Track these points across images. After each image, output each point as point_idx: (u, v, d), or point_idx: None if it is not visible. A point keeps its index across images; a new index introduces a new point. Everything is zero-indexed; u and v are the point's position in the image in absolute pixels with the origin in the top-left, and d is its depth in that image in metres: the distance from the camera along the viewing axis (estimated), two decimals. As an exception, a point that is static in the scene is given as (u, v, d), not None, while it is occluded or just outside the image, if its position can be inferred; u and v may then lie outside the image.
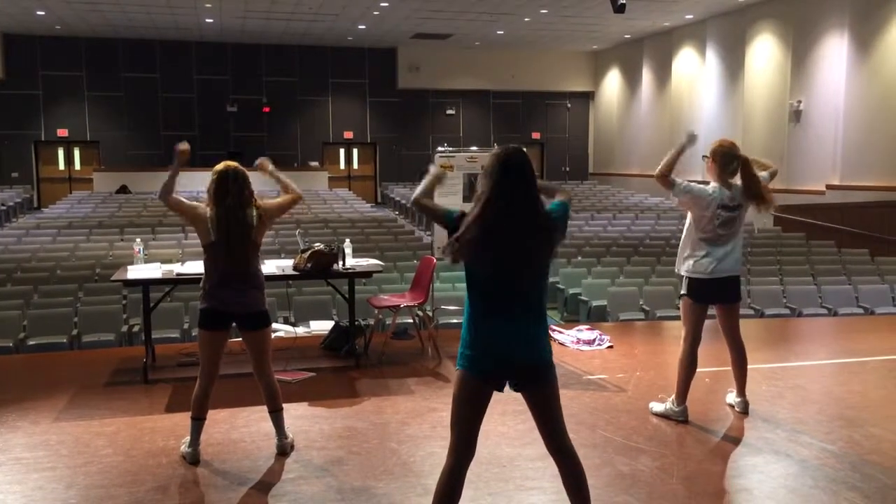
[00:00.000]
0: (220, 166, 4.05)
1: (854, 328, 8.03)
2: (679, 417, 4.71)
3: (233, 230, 3.97)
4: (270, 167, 4.43)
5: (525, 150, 2.97)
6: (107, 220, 14.00)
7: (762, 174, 4.71)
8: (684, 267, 4.63)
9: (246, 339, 4.15)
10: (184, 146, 4.16)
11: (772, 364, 6.18)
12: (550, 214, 2.97)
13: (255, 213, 4.04)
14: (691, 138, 4.59)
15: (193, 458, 4.07)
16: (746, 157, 4.56)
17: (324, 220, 14.11)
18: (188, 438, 4.12)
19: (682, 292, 4.69)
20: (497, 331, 2.87)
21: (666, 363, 6.42)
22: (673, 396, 4.76)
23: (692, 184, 4.60)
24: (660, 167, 4.53)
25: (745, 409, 4.87)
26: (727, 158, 4.51)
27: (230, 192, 3.96)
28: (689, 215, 4.66)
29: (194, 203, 4.12)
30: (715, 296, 4.63)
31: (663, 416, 4.78)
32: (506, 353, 2.89)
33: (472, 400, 2.92)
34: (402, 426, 4.68)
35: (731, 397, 5.00)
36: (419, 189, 3.13)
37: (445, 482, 2.91)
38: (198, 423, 4.09)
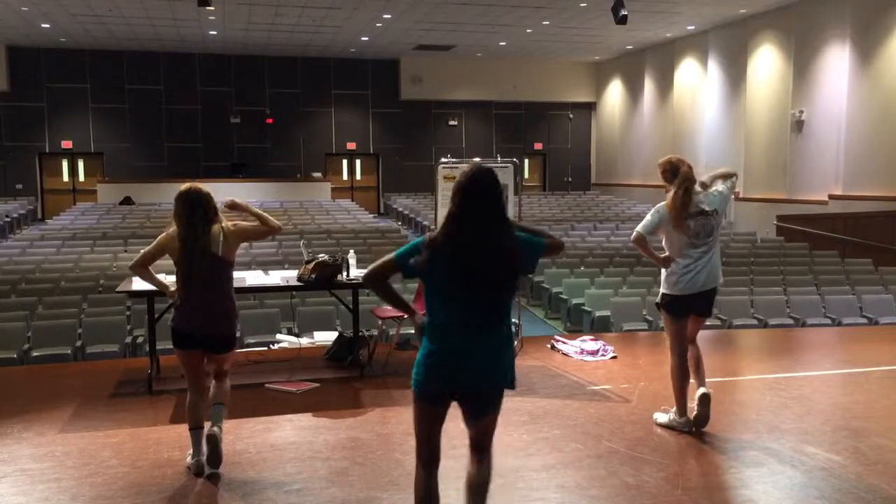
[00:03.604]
0: (183, 188, 4.15)
1: (858, 338, 8.02)
2: (683, 428, 4.71)
3: (195, 248, 4.02)
4: (241, 203, 4.42)
5: (493, 170, 2.95)
6: (111, 232, 14.03)
7: (720, 187, 4.70)
8: (663, 283, 4.72)
9: (209, 357, 4.18)
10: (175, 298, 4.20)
11: (776, 374, 6.17)
12: (517, 239, 2.94)
13: (220, 231, 4.09)
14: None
15: (198, 469, 4.08)
16: (689, 172, 4.55)
17: (327, 231, 14.14)
18: (192, 450, 4.13)
19: (657, 301, 4.77)
20: (447, 352, 2.88)
21: (670, 373, 6.42)
22: (675, 408, 4.76)
23: (647, 220, 4.64)
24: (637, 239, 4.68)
25: (707, 404, 4.67)
26: (674, 171, 4.58)
27: (192, 211, 4.04)
28: (664, 244, 4.71)
29: (157, 242, 4.19)
30: (690, 309, 4.67)
31: (667, 426, 4.78)
32: (451, 377, 2.89)
33: (425, 419, 2.97)
34: (406, 436, 4.67)
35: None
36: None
37: (422, 490, 2.98)
38: (195, 432, 4.10)
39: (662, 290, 4.73)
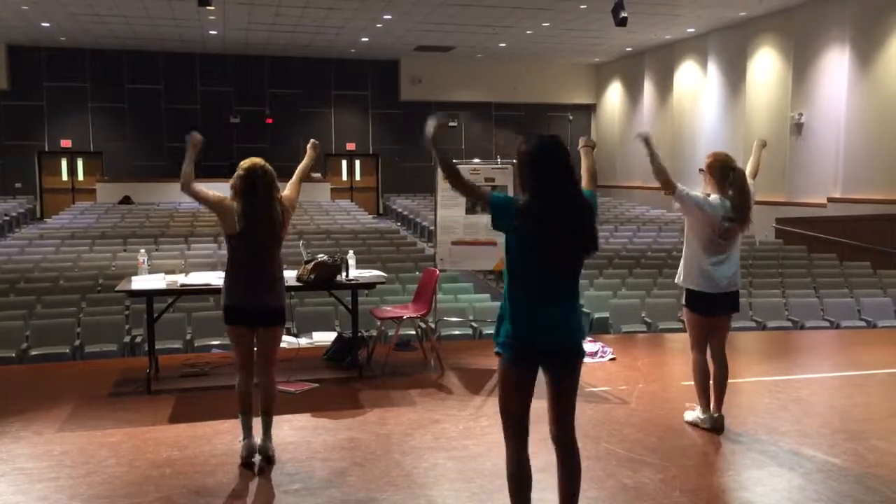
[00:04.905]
0: (246, 163, 4.16)
1: (857, 341, 8.03)
2: (705, 425, 4.70)
3: (260, 224, 4.10)
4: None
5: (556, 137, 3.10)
6: (110, 231, 14.03)
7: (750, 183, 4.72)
8: (686, 279, 4.66)
9: (259, 335, 4.23)
10: (197, 135, 4.31)
11: (774, 377, 6.17)
12: (588, 198, 3.14)
13: (279, 209, 4.18)
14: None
15: (249, 451, 4.12)
16: (742, 170, 4.59)
17: (326, 231, 14.13)
18: (242, 434, 4.21)
19: (683, 304, 4.74)
20: (545, 315, 2.98)
21: (668, 375, 6.43)
22: (698, 406, 4.78)
23: (699, 194, 4.62)
24: (659, 176, 4.63)
25: (721, 426, 4.72)
26: (724, 171, 4.56)
27: (258, 187, 4.08)
28: (686, 226, 4.70)
29: (219, 194, 4.24)
30: (715, 307, 4.65)
31: (693, 424, 4.80)
32: (550, 337, 2.99)
33: (519, 386, 3.04)
34: (405, 437, 4.68)
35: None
36: (447, 164, 3.10)
37: (514, 465, 3.04)
38: (244, 417, 4.16)
39: (687, 286, 4.67)
